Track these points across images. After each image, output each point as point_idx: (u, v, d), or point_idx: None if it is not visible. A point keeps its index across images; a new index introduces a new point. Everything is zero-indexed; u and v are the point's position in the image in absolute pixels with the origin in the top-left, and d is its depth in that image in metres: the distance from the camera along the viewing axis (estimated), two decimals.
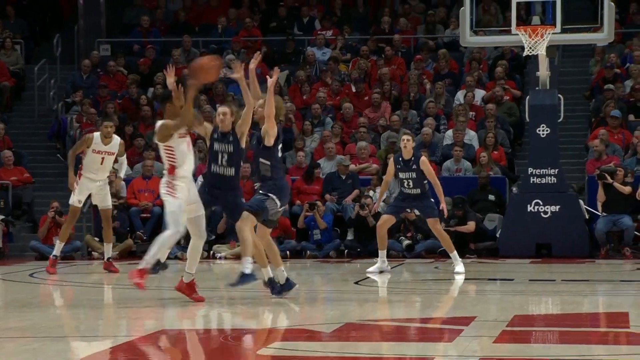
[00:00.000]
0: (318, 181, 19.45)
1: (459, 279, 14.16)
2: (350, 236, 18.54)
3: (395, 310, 11.52)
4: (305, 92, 22.38)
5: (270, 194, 11.28)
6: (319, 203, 18.67)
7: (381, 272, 14.76)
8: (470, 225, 18.17)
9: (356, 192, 19.04)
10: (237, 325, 10.15)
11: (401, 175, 14.74)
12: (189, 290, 11.30)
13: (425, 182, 14.64)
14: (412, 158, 14.61)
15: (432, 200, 14.65)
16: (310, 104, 21.82)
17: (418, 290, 13.73)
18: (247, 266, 11.10)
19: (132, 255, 18.33)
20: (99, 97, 22.68)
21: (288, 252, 18.36)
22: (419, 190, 14.61)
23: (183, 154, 11.01)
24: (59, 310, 11.62)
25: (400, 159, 14.71)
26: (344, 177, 19.32)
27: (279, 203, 11.34)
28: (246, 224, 11.10)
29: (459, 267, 14.65)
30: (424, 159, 14.71)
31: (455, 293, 13.04)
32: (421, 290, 13.67)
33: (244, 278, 11.14)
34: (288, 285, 11.62)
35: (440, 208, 14.66)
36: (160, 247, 10.94)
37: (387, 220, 14.88)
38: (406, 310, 11.45)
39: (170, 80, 11.37)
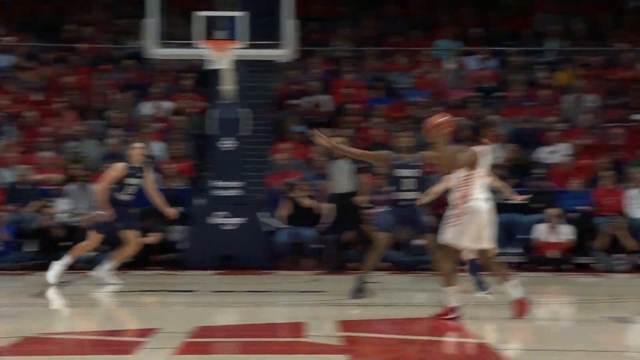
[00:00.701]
0: None
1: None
2: (33, 247, 18.06)
3: (77, 322, 11.33)
4: None
5: None
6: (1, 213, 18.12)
7: None
8: (155, 237, 18.15)
9: (41, 203, 18.59)
10: None
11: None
12: None
13: None
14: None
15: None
16: None
17: (100, 302, 13.58)
18: None
19: None
20: None
21: None
22: None
23: None
24: None
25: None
26: (26, 187, 18.81)
27: None
28: None
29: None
30: None
31: (139, 305, 12.97)
32: (102, 302, 13.53)
33: None
34: None
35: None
36: None
37: None
38: (87, 323, 11.28)
39: None
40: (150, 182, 15.00)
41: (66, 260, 14.87)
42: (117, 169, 14.79)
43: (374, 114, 21.38)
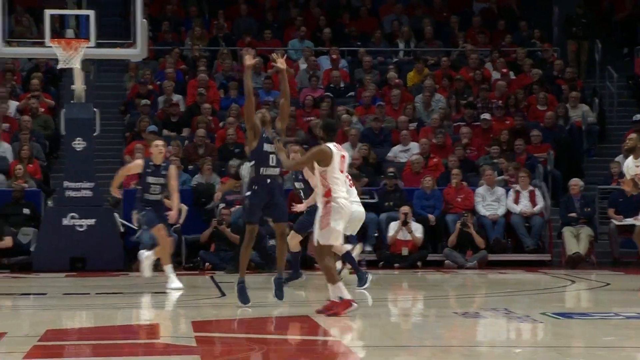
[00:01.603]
0: None
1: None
2: None
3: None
4: None
5: None
6: None
7: None
8: (7, 241, 17.78)
9: None
10: None
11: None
12: None
13: None
14: None
15: None
16: None
17: None
18: None
19: None
20: None
21: None
22: None
23: None
24: None
25: None
26: None
27: None
28: None
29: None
30: None
31: None
32: None
33: None
34: None
35: None
36: None
37: None
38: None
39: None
40: None
41: None
42: None
43: (228, 113, 21.34)
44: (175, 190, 14.37)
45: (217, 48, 24.07)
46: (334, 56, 23.48)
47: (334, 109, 21.88)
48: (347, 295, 10.80)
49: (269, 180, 11.65)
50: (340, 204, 10.79)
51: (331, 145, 10.91)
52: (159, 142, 14.55)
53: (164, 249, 14.43)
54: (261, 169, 11.63)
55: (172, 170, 14.44)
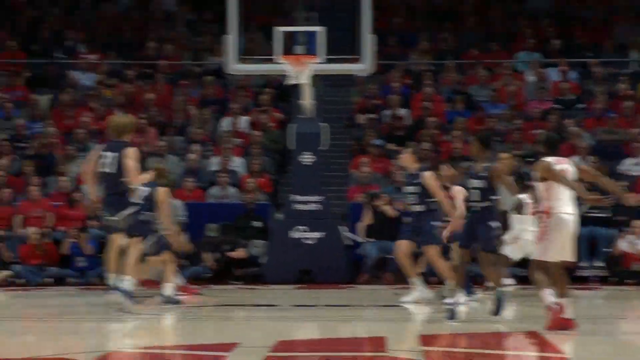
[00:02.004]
0: (81, 206, 19.12)
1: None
2: None
3: (159, 337, 11.44)
4: (68, 116, 21.97)
5: None
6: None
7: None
8: (240, 252, 18.31)
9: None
10: None
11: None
12: None
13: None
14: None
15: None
16: (74, 128, 21.44)
17: (183, 316, 13.68)
18: None
19: None
20: None
21: (52, 279, 18.01)
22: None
23: None
24: None
25: None
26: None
27: None
28: None
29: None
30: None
31: (220, 319, 13.05)
32: (185, 316, 13.63)
33: None
34: None
35: None
36: None
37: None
38: (168, 337, 11.38)
39: None
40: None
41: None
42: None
43: (454, 127, 21.27)
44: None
45: (443, 62, 24.05)
46: (564, 67, 23.05)
47: (562, 121, 21.49)
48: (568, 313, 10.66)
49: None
50: (561, 219, 10.64)
51: (552, 159, 10.79)
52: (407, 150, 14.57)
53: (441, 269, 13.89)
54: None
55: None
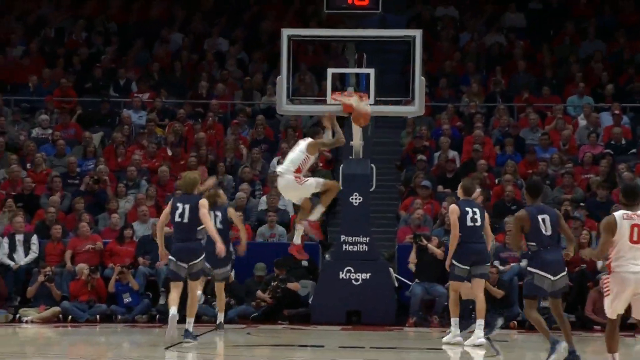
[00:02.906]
0: (131, 243, 19.30)
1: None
2: (162, 300, 18.41)
3: None
4: (120, 154, 22.24)
5: None
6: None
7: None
8: (296, 284, 18.43)
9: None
10: None
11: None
12: None
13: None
14: None
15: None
16: (125, 166, 21.69)
17: (227, 355, 13.75)
18: None
19: None
20: None
21: (98, 316, 18.15)
22: None
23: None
24: None
25: None
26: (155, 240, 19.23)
27: None
28: None
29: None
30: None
31: (267, 358, 13.09)
32: (232, 356, 13.68)
33: None
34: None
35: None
36: None
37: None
38: None
39: None
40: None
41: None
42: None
43: (504, 170, 21.24)
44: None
45: (494, 104, 24.07)
46: (616, 112, 22.99)
47: (614, 166, 21.40)
48: None
49: None
50: (621, 277, 10.58)
51: (621, 213, 10.68)
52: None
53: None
54: None
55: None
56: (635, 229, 10.47)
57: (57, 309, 18.27)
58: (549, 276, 11.54)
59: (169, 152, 22.32)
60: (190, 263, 14.01)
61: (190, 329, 14.14)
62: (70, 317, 18.19)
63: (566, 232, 12.01)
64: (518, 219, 11.73)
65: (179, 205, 14.18)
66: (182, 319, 13.97)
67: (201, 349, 14.52)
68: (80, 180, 21.37)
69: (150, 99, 24.15)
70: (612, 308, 10.61)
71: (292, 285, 18.44)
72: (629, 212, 10.56)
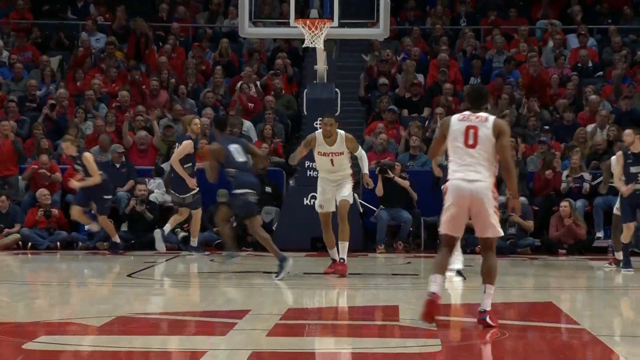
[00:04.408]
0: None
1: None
2: (124, 228, 18.34)
3: (168, 303, 11.52)
4: (79, 78, 21.99)
5: None
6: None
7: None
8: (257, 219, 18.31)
9: (131, 182, 18.87)
10: (3, 317, 9.88)
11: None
12: None
13: None
14: None
15: None
16: (84, 90, 21.46)
17: (192, 283, 13.77)
18: None
19: None
20: None
21: (59, 243, 18.09)
22: None
23: None
24: None
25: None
26: (118, 165, 19.11)
27: None
28: None
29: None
30: None
31: (230, 286, 13.13)
32: (195, 283, 13.71)
33: None
34: None
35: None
36: None
37: None
38: (179, 303, 11.45)
39: None
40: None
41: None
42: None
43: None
44: None
45: (460, 27, 23.98)
46: (583, 33, 22.97)
47: (581, 89, 21.43)
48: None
49: None
50: (455, 185, 9.28)
51: (459, 115, 9.41)
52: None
53: None
54: None
55: None
56: (471, 131, 9.25)
57: (16, 235, 18.18)
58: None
59: (129, 77, 22.08)
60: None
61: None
62: (30, 244, 18.11)
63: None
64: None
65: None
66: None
67: (164, 276, 14.54)
68: (39, 105, 21.13)
69: (108, 22, 23.85)
70: (445, 223, 9.33)
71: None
72: (467, 113, 9.36)
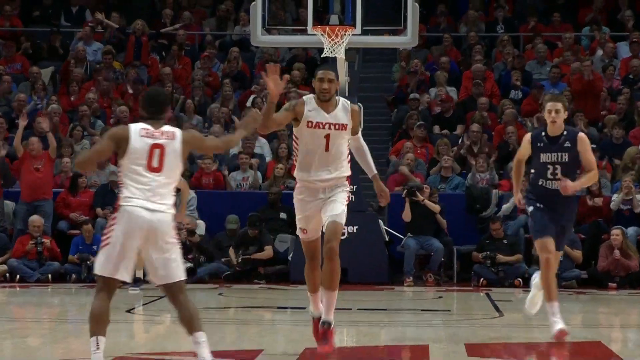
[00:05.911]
0: (85, 193, 19.21)
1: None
2: None
3: (171, 342, 11.54)
4: (73, 92, 22.10)
5: None
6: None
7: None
8: (268, 251, 18.33)
9: None
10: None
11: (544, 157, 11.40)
12: None
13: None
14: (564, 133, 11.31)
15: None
16: (78, 105, 21.56)
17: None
18: None
19: None
20: None
21: (50, 275, 18.13)
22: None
23: None
24: None
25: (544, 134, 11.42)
26: (117, 191, 19.16)
27: None
28: None
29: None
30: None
31: (241, 323, 13.15)
32: (203, 320, 13.71)
33: None
34: None
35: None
36: None
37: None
38: (183, 342, 11.46)
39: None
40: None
41: None
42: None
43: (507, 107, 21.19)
44: None
45: (496, 34, 24.01)
46: (635, 41, 22.96)
47: (632, 102, 21.42)
48: None
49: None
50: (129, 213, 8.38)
51: (139, 127, 8.47)
52: None
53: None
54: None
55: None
56: (157, 151, 8.24)
57: (3, 267, 18.25)
58: None
59: (129, 90, 22.19)
60: None
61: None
62: (18, 276, 18.17)
63: None
64: None
65: None
66: None
67: (167, 312, 14.55)
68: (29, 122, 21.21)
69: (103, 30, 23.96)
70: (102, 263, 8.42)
71: (262, 255, 18.33)
72: (150, 128, 8.33)
